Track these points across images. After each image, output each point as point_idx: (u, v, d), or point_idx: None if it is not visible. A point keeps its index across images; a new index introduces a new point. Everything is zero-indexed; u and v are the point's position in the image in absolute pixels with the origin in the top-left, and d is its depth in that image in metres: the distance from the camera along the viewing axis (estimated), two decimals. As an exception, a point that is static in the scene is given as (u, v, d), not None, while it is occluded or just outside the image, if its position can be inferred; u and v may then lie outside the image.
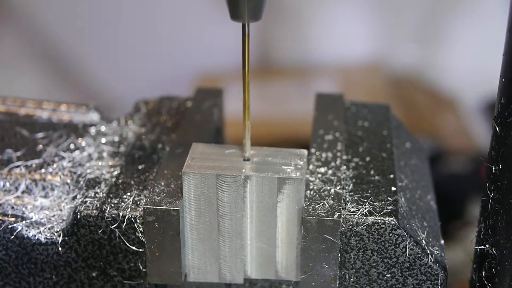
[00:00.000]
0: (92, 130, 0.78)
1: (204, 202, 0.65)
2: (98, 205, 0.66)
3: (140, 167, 0.71)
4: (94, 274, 0.68)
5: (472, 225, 0.70)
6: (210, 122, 0.78)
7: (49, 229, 0.67)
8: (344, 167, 0.70)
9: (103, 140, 0.76)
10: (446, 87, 2.24)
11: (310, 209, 0.64)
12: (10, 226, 0.67)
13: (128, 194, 0.67)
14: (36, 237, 0.67)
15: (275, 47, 2.22)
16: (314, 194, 0.66)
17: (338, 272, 0.65)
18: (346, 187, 0.67)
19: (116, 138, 0.76)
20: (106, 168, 0.71)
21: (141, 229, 0.65)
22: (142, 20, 2.17)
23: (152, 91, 1.31)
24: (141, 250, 0.66)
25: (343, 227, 0.64)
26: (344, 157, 0.71)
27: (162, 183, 0.67)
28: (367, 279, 0.65)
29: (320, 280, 0.65)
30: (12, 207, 0.69)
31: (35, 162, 0.72)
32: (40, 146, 0.75)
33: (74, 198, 0.69)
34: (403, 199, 0.67)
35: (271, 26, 2.13)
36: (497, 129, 0.62)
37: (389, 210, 0.64)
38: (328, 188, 0.66)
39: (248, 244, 0.67)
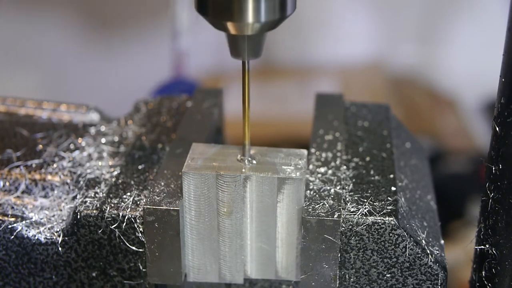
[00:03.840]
0: (92, 130, 0.78)
1: (204, 202, 0.65)
2: (98, 205, 0.66)
3: (140, 167, 0.71)
4: (94, 274, 0.68)
5: (472, 225, 0.70)
6: (210, 122, 0.78)
7: (49, 229, 0.67)
8: (344, 167, 0.70)
9: (103, 140, 0.76)
10: (446, 87, 2.24)
11: (310, 209, 0.64)
12: (10, 226, 0.67)
13: (128, 194, 0.67)
14: (36, 237, 0.67)
15: (275, 47, 2.22)
16: (314, 194, 0.66)
17: (338, 272, 0.65)
18: (346, 187, 0.67)
19: (116, 138, 0.76)
20: (106, 168, 0.71)
21: (141, 229, 0.65)
22: (142, 19, 2.17)
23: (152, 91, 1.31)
24: (141, 250, 0.66)
25: (343, 227, 0.63)
26: (344, 157, 0.71)
27: (162, 183, 0.67)
28: (367, 279, 0.65)
29: (320, 280, 0.65)
30: (12, 207, 0.69)
31: (35, 162, 0.72)
32: (40, 146, 0.75)
33: (74, 198, 0.69)
34: (403, 199, 0.67)
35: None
36: (497, 129, 0.62)
37: (389, 210, 0.64)
38: (328, 188, 0.66)
39: (248, 244, 0.67)
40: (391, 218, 0.63)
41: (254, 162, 0.66)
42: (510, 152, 0.61)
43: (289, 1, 0.62)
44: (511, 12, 0.59)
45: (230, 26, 0.61)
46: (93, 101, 0.83)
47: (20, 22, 2.13)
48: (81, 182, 0.70)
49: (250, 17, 0.60)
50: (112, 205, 0.66)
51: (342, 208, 0.64)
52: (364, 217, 0.63)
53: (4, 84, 2.14)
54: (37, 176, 0.71)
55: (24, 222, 0.68)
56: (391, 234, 0.63)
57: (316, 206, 0.64)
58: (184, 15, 1.34)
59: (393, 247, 0.64)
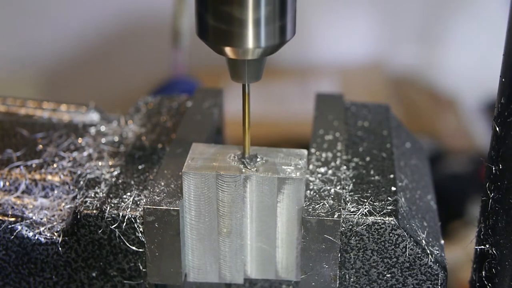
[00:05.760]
0: (92, 130, 0.78)
1: (204, 202, 0.65)
2: (98, 205, 0.66)
3: (140, 167, 0.71)
4: (94, 274, 0.68)
5: (472, 225, 0.70)
6: (210, 122, 0.78)
7: (49, 229, 0.67)
8: (344, 167, 0.70)
9: (103, 140, 0.76)
10: (446, 87, 2.24)
11: (310, 209, 0.64)
12: (10, 226, 0.67)
13: (128, 194, 0.67)
14: (36, 237, 0.67)
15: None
16: (314, 194, 0.66)
17: (338, 272, 0.65)
18: (346, 187, 0.67)
19: (116, 138, 0.76)
20: (106, 168, 0.71)
21: (141, 229, 0.65)
22: (143, 19, 2.17)
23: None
24: (141, 250, 0.66)
25: (343, 227, 0.64)
26: (344, 157, 0.71)
27: (162, 183, 0.67)
28: (367, 279, 0.65)
29: (320, 280, 0.65)
30: (12, 207, 0.69)
31: (35, 162, 0.72)
32: (40, 146, 0.75)
33: (74, 198, 0.69)
34: (403, 199, 0.67)
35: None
36: (497, 129, 0.62)
37: (389, 210, 0.64)
38: (328, 188, 0.66)
39: (248, 244, 0.67)
40: (391, 218, 0.63)
41: (254, 162, 0.66)
42: (510, 152, 0.61)
43: (289, 26, 0.62)
44: (511, 12, 0.59)
45: (230, 51, 0.61)
46: (93, 101, 0.83)
47: (20, 21, 2.14)
48: (81, 182, 0.70)
49: (250, 42, 0.60)
50: (112, 205, 0.66)
51: (342, 208, 0.64)
52: (364, 217, 0.63)
53: (4, 84, 2.14)
54: (37, 176, 0.71)
55: (24, 222, 0.68)
56: (391, 234, 0.63)
57: (316, 206, 0.64)
58: (185, 15, 1.34)
59: (393, 247, 0.64)
